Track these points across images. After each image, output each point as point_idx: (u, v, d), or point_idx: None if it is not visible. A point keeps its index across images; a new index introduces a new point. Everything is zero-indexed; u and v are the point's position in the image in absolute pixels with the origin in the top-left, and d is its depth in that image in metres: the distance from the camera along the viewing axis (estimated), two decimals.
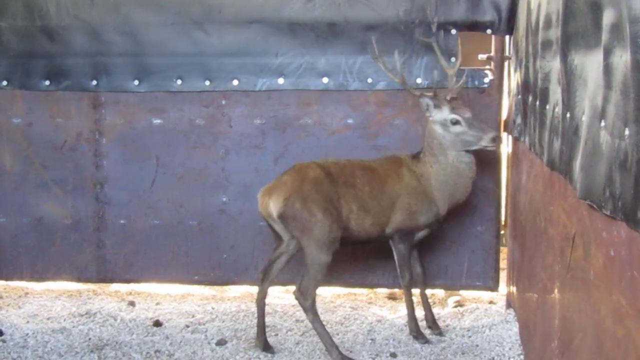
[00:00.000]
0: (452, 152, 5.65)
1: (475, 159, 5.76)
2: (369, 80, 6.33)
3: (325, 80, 6.33)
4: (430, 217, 5.76)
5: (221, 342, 5.72)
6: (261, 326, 5.66)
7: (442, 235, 6.45)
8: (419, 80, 6.24)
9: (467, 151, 5.67)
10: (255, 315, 5.98)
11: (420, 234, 5.84)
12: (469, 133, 5.59)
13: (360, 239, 5.72)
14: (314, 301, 5.42)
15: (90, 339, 5.82)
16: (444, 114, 5.61)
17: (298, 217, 5.38)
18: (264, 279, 5.72)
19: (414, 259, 5.94)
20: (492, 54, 6.34)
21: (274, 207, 5.43)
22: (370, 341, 5.81)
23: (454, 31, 6.21)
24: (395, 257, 5.79)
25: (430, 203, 5.72)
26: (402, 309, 6.47)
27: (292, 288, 6.24)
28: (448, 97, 5.63)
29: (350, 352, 5.56)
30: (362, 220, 5.60)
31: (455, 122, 5.60)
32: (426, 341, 5.74)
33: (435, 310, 6.38)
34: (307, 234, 5.38)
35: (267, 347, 5.60)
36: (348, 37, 6.28)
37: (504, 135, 6.37)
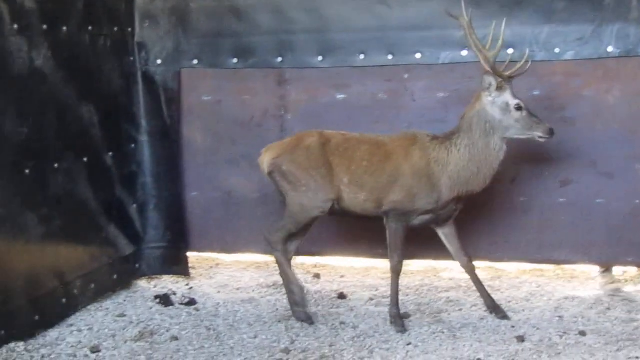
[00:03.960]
0: (498, 137, 5.43)
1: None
2: (556, 50, 6.13)
3: (510, 51, 6.15)
4: (430, 203, 5.51)
5: (404, 316, 5.74)
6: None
7: None
8: (610, 49, 5.99)
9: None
10: (439, 289, 5.99)
11: (420, 219, 5.60)
12: (527, 120, 5.40)
13: (356, 213, 5.66)
14: (279, 239, 5.72)
15: (277, 309, 5.99)
16: (506, 97, 5.40)
17: (284, 178, 5.60)
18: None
19: (452, 237, 5.76)
20: None
21: (265, 163, 5.68)
22: (557, 318, 5.68)
23: None
24: (387, 237, 5.58)
25: (432, 189, 5.48)
26: (591, 286, 6.32)
27: (477, 263, 6.20)
28: (508, 74, 5.40)
29: (537, 329, 5.46)
30: (355, 194, 5.54)
31: (519, 108, 5.38)
32: (402, 330, 5.49)
33: (629, 288, 6.17)
34: (290, 194, 5.63)
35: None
36: (533, 5, 6.09)
37: None
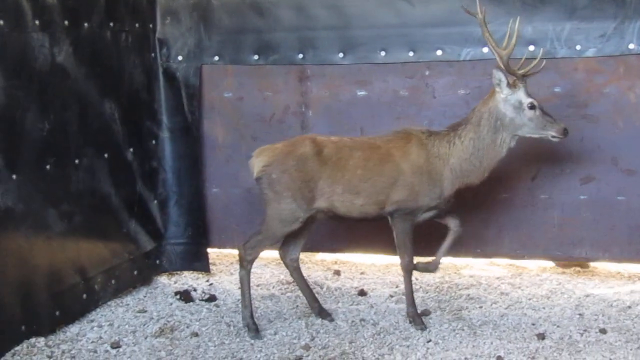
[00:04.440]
0: (507, 135, 5.37)
1: None
2: (578, 47, 6.08)
3: (531, 48, 6.11)
4: (433, 198, 5.45)
5: (425, 313, 5.73)
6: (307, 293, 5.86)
7: None
8: (631, 46, 5.93)
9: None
10: (459, 287, 5.96)
11: (425, 215, 5.55)
12: (541, 120, 5.33)
13: (354, 218, 5.56)
14: (254, 258, 5.56)
15: (297, 306, 6.00)
16: (520, 95, 5.32)
17: (270, 187, 5.44)
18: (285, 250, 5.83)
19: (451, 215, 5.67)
20: None
21: (255, 168, 5.51)
22: (578, 316, 5.66)
23: None
24: (395, 237, 5.53)
25: (434, 184, 5.43)
26: (611, 283, 6.29)
27: (498, 260, 6.17)
28: (522, 72, 5.31)
29: (558, 326, 5.44)
30: (351, 202, 5.43)
31: (532, 107, 5.31)
32: (422, 328, 5.48)
33: None
34: (272, 205, 5.47)
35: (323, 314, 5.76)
36: (555, 3, 6.05)
37: None
